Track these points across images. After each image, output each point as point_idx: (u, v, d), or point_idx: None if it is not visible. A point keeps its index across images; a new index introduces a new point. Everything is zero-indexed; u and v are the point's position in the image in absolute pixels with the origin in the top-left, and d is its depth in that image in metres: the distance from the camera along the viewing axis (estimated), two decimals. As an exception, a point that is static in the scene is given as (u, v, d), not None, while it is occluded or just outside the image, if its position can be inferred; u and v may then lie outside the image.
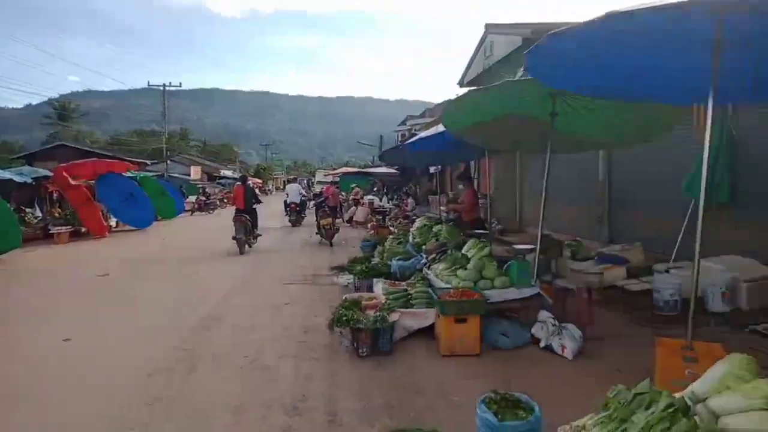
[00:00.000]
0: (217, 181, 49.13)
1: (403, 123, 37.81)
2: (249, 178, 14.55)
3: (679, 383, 3.81)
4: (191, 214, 27.81)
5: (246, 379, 4.46)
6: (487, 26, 17.19)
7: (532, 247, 5.75)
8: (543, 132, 6.77)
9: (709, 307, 6.19)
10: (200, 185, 37.92)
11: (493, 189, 12.72)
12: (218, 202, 33.83)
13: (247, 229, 12.63)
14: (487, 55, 17.60)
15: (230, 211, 30.94)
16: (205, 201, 30.53)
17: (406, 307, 5.40)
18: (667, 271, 6.93)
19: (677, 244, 7.92)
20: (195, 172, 46.91)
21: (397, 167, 26.89)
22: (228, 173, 57.41)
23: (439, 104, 32.35)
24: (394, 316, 5.01)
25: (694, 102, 6.19)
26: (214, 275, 9.89)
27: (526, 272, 5.19)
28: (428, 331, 5.25)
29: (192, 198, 30.67)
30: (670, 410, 1.72)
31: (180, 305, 7.41)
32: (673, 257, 7.86)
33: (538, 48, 4.10)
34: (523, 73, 8.08)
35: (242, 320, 6.41)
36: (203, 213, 29.20)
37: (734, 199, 7.26)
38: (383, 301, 5.49)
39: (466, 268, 5.52)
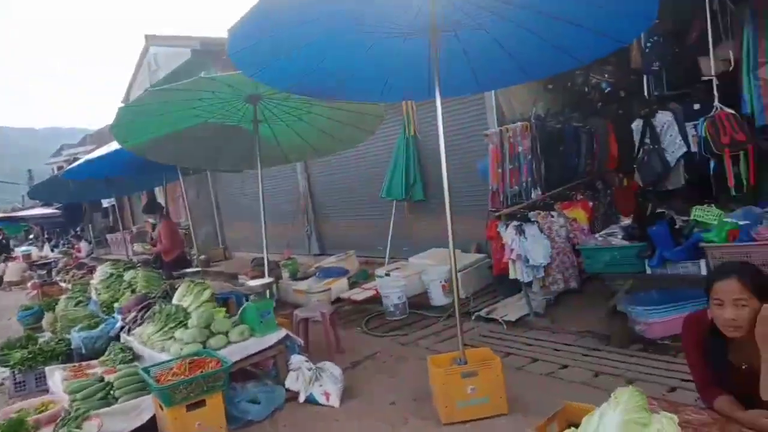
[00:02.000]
0: None
1: (58, 153, 31.59)
2: None
3: (465, 404, 3.49)
4: None
5: None
6: (148, 37, 15.34)
7: (270, 280, 4.75)
8: (246, 144, 5.95)
9: (434, 302, 6.41)
10: None
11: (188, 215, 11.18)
12: None
13: None
14: (152, 69, 15.74)
15: None
16: None
17: (109, 404, 3.68)
18: (387, 275, 6.95)
19: (388, 247, 8.18)
20: None
21: (57, 206, 22.03)
22: None
23: (101, 129, 27.99)
24: (90, 427, 3.29)
25: (406, 98, 6.25)
26: None
27: (267, 313, 4.11)
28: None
29: None
30: None
31: None
32: (386, 260, 8.05)
33: (243, 26, 3.17)
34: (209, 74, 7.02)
35: None
36: None
37: (426, 196, 7.86)
38: (67, 406, 3.64)
39: (187, 326, 4.13)
